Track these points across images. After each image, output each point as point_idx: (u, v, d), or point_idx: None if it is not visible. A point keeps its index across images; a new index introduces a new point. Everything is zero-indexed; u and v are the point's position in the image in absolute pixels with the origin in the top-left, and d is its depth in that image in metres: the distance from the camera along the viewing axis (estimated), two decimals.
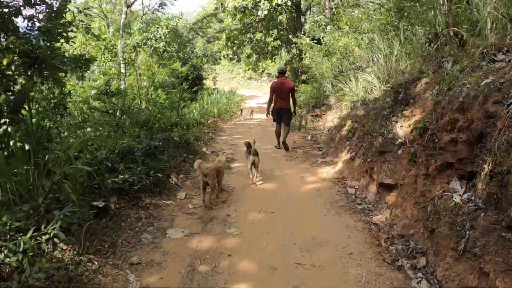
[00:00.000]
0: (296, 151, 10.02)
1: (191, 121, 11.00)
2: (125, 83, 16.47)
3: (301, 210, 6.08)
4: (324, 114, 15.05)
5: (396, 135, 6.52)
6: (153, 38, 23.25)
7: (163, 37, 22.81)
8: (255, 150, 7.38)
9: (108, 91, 12.42)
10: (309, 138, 11.85)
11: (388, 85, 10.24)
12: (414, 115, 6.44)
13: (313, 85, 19.09)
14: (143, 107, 10.65)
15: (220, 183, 6.67)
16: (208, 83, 29.49)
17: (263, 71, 37.26)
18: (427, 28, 9.31)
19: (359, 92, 11.37)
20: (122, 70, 16.94)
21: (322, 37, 20.60)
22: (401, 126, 6.57)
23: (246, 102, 27.68)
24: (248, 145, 7.71)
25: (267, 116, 10.59)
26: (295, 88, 11.03)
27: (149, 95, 13.72)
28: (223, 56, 27.40)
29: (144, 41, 23.44)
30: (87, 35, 18.80)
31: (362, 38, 18.34)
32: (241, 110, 21.21)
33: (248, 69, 30.13)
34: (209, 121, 13.87)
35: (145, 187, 6.22)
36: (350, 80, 12.50)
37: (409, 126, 6.33)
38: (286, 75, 10.59)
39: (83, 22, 10.90)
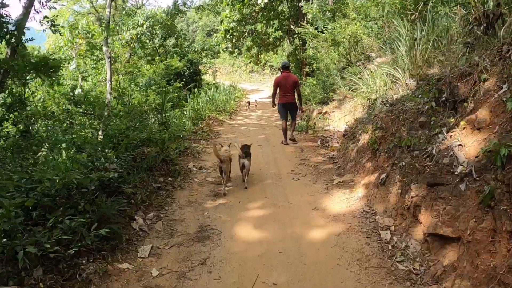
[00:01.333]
0: (305, 164, 7.80)
1: (175, 130, 8.84)
2: (110, 85, 14.33)
3: (320, 280, 3.89)
4: (333, 112, 12.82)
5: (454, 159, 4.29)
6: (148, 33, 21.18)
7: (158, 32, 20.71)
8: (246, 152, 6.79)
9: (72, 98, 10.22)
10: (318, 143, 9.63)
11: (413, 80, 8.11)
12: (479, 129, 4.23)
13: (318, 78, 16.84)
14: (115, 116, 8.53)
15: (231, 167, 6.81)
16: (207, 78, 27.26)
17: (265, 63, 34.88)
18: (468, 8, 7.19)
19: (378, 88, 9.17)
20: (108, 71, 14.78)
21: (325, 27, 18.40)
22: (461, 145, 4.35)
23: (248, 97, 25.39)
24: (241, 152, 6.84)
25: (273, 106, 10.40)
26: (299, 82, 10.60)
27: (128, 99, 11.56)
28: (222, 49, 25.12)
29: (139, 36, 21.41)
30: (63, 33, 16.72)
31: (371, 25, 16.23)
32: (248, 103, 20.50)
33: (249, 62, 27.84)
34: (202, 125, 11.66)
35: (88, 247, 4.08)
36: (360, 72, 10.40)
37: (474, 145, 4.13)
38: (290, 68, 10.03)
39: (47, 18, 8.75)
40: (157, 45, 22.85)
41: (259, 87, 32.04)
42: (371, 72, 10.29)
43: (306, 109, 14.61)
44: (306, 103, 15.71)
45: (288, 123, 9.80)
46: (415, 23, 9.87)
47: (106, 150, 6.25)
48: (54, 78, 10.32)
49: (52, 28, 9.00)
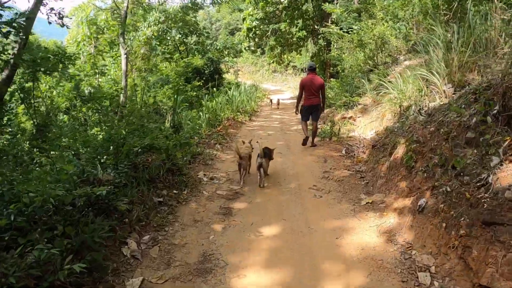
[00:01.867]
0: (329, 178, 6.86)
1: (183, 136, 8.00)
2: (126, 82, 13.63)
3: None
4: (358, 117, 11.86)
5: None
6: (169, 29, 20.46)
7: (179, 29, 19.94)
8: (263, 152, 6.64)
9: (78, 94, 9.50)
10: (343, 152, 8.68)
11: (450, 86, 7.16)
12: None
13: (343, 80, 15.86)
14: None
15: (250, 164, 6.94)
16: (229, 77, 26.43)
17: (288, 63, 33.89)
18: None
19: (410, 94, 8.23)
20: (123, 67, 14.09)
21: (349, 28, 17.40)
22: None
23: (270, 97, 24.49)
24: (260, 152, 6.62)
25: (295, 113, 9.63)
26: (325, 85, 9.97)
27: (139, 98, 10.79)
28: (244, 48, 24.27)
29: (159, 32, 20.72)
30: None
31: (399, 26, 15.21)
32: (271, 101, 20.19)
33: (272, 62, 26.94)
34: (218, 128, 10.80)
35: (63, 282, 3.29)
36: (388, 75, 9.49)
37: None
38: (315, 67, 9.50)
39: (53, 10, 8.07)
40: (178, 42, 22.11)
41: (281, 88, 31.05)
42: (401, 75, 9.33)
43: (330, 113, 13.70)
44: (329, 106, 14.78)
45: (309, 125, 9.55)
46: (449, 24, 8.95)
47: (105, 157, 5.47)
48: (60, 74, 9.63)
49: (60, 21, 8.31)
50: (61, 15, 8.05)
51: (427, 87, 7.60)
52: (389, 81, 11.41)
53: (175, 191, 5.86)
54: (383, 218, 5.15)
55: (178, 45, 22.49)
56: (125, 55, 14.25)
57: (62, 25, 8.36)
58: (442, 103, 6.67)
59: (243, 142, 7.13)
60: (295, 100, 9.85)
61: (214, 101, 13.99)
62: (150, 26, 20.43)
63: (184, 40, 22.45)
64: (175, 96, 8.64)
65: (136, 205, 4.96)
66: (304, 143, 9.24)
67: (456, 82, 7.09)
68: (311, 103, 9.04)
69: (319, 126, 10.13)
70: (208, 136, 9.82)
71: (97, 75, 17.74)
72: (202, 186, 6.41)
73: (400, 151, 6.06)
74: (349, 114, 12.19)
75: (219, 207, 5.57)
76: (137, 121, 6.00)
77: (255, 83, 28.12)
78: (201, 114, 11.41)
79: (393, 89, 9.07)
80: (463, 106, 5.72)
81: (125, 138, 5.41)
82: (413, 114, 7.45)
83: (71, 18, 17.96)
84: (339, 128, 10.32)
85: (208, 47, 22.64)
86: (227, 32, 41.71)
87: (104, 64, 22.59)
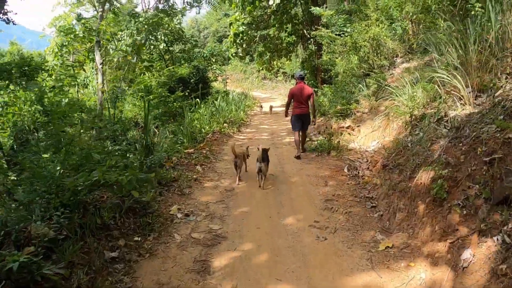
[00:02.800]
0: (332, 209, 5.45)
1: (159, 156, 6.62)
2: (101, 94, 12.22)
3: None
4: (358, 126, 10.51)
5: None
6: (153, 38, 19.05)
7: (163, 36, 18.57)
8: (262, 156, 6.60)
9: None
10: (345, 170, 7.31)
11: (468, 90, 5.88)
12: None
13: (337, 85, 14.53)
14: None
15: (246, 163, 7.35)
16: (217, 85, 25.03)
17: (278, 70, 32.47)
18: None
19: (421, 101, 6.93)
20: (99, 78, 12.67)
21: (341, 30, 16.12)
22: None
23: (261, 104, 23.13)
24: (258, 156, 6.65)
25: (285, 116, 9.65)
26: (314, 93, 10.01)
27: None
28: (231, 55, 22.89)
29: (143, 41, 19.31)
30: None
31: (394, 27, 14.02)
32: (261, 107, 20.78)
33: (262, 69, 25.57)
34: (200, 145, 9.35)
35: None
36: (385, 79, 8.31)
37: None
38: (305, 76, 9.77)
39: None
40: (163, 51, 20.73)
41: (271, 95, 29.69)
42: (407, 80, 8.02)
43: (325, 122, 12.39)
44: (324, 115, 13.45)
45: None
46: (456, 20, 7.71)
47: (42, 199, 4.04)
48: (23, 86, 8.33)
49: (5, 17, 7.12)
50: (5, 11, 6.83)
51: (447, 94, 6.27)
52: (391, 86, 10.17)
53: (136, 238, 4.41)
54: (409, 270, 3.77)
55: (163, 53, 21.13)
56: (101, 65, 12.84)
57: (8, 22, 7.23)
58: (468, 112, 5.33)
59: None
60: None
61: (198, 113, 12.57)
62: (133, 36, 19.11)
63: (169, 48, 21.09)
64: (146, 110, 7.13)
65: (78, 267, 3.54)
66: (297, 158, 8.55)
67: (476, 85, 5.78)
68: (301, 112, 8.72)
69: (314, 138, 9.84)
70: (189, 154, 8.39)
71: (77, 87, 16.29)
72: (175, 226, 4.98)
73: (424, 176, 4.69)
74: (347, 123, 10.84)
75: (193, 259, 4.13)
76: (84, 150, 4.54)
77: (244, 91, 26.75)
78: (182, 128, 9.97)
79: (399, 95, 7.74)
80: (501, 117, 4.41)
81: (58, 179, 3.98)
82: (429, 125, 6.10)
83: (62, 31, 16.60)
84: (339, 141, 8.94)
85: (194, 55, 21.29)
86: (215, 40, 40.28)
87: (86, 76, 21.15)
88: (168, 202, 5.72)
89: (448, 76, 6.01)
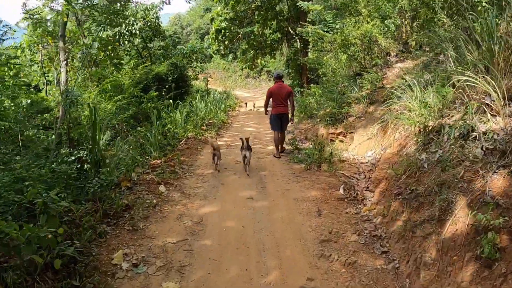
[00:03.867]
0: (330, 257, 3.92)
1: (108, 179, 5.09)
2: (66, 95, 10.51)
3: None
4: (351, 133, 9.09)
5: None
6: (127, 33, 17.38)
7: (138, 31, 16.90)
8: (247, 145, 7.11)
9: None
10: (341, 191, 5.85)
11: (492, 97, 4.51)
12: None
13: (325, 85, 13.09)
14: None
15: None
16: (198, 84, 23.41)
17: (261, 68, 30.90)
18: None
19: (434, 109, 5.55)
20: (63, 76, 10.94)
21: (329, 28, 14.80)
22: None
23: (242, 105, 21.63)
24: (242, 141, 7.20)
25: (265, 113, 9.49)
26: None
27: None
28: (213, 52, 21.33)
29: (117, 36, 17.59)
30: None
31: (387, 24, 12.69)
32: (246, 103, 21.53)
33: (245, 67, 24.03)
34: (168, 156, 7.75)
35: None
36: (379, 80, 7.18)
37: None
38: (284, 76, 9.80)
39: None
40: (140, 47, 19.06)
41: (254, 94, 28.11)
42: (418, 84, 6.63)
43: (311, 126, 10.99)
44: (311, 118, 12.02)
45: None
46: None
47: None
48: None
49: None
50: None
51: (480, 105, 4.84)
52: (387, 87, 8.86)
53: None
54: None
55: (141, 50, 19.46)
56: (65, 62, 11.12)
57: None
58: (502, 125, 3.93)
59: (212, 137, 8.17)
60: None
61: (170, 115, 10.97)
62: (106, 30, 17.39)
63: (147, 44, 19.42)
64: (92, 119, 5.49)
65: None
66: (276, 157, 8.47)
67: (507, 91, 4.39)
68: (280, 111, 8.55)
69: (301, 145, 9.42)
70: (154, 168, 6.83)
71: (45, 86, 14.55)
72: (116, 285, 3.45)
73: (461, 220, 3.25)
74: (338, 129, 9.40)
75: None
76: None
77: (226, 90, 25.22)
78: (149, 135, 8.37)
79: (405, 100, 6.31)
80: None
81: None
82: (449, 140, 4.69)
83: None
84: (331, 153, 7.47)
85: (173, 52, 19.66)
86: (198, 37, 38.54)
87: (59, 73, 19.34)
88: (112, 245, 4.16)
89: (476, 79, 4.58)
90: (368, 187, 6.19)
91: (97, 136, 5.63)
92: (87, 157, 5.38)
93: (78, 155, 5.57)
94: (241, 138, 7.30)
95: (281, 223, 4.76)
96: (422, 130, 5.56)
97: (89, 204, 4.67)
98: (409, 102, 6.17)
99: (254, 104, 20.97)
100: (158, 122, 8.89)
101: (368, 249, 4.07)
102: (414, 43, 10.78)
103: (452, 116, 5.14)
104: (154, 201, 5.37)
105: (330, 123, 9.81)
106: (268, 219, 4.88)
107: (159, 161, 7.34)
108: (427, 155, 4.95)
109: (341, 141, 9.26)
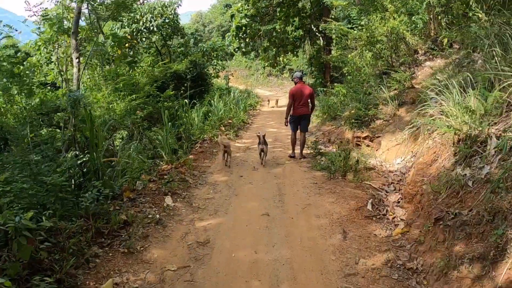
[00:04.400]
0: None
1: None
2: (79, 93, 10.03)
3: None
4: (378, 137, 8.31)
5: None
6: (145, 30, 16.89)
7: (155, 28, 16.39)
8: (264, 140, 7.48)
9: None
10: (369, 207, 5.10)
11: None
12: None
13: (350, 85, 12.26)
14: None
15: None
16: (220, 82, 22.81)
17: (284, 66, 30.08)
18: None
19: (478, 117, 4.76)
20: (75, 74, 10.47)
21: (353, 25, 13.92)
22: None
23: (263, 104, 20.90)
24: (259, 137, 7.55)
25: (285, 124, 8.67)
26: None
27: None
28: (233, 49, 20.66)
29: (135, 34, 17.13)
30: None
31: (415, 20, 11.84)
32: (268, 101, 21.11)
33: (267, 65, 23.28)
34: (179, 162, 7.09)
35: None
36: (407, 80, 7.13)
37: None
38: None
39: None
40: (159, 45, 18.55)
41: (277, 93, 27.31)
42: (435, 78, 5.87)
43: (336, 129, 10.24)
44: (335, 119, 11.25)
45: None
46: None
47: None
48: None
49: None
50: None
51: None
52: (423, 88, 8.07)
53: None
54: None
55: (160, 48, 18.95)
56: (77, 60, 10.64)
57: None
58: None
59: (220, 135, 8.14)
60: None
61: (186, 116, 10.34)
62: (124, 27, 16.94)
63: (167, 42, 18.90)
64: (89, 124, 4.88)
65: None
66: (292, 157, 8.29)
67: None
68: (301, 113, 8.22)
69: (324, 148, 8.87)
70: (162, 176, 6.19)
71: (62, 83, 14.17)
72: None
73: None
74: (364, 133, 8.61)
75: None
76: None
77: (248, 88, 24.54)
78: (161, 138, 7.75)
79: (444, 103, 5.52)
80: None
81: None
82: (497, 153, 3.91)
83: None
84: (357, 160, 6.70)
85: (193, 49, 19.09)
86: (219, 34, 37.95)
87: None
88: (102, 271, 3.53)
89: None
90: (399, 202, 5.43)
91: (97, 142, 5.01)
92: (85, 165, 4.78)
93: (81, 160, 5.01)
94: (258, 135, 7.66)
95: (300, 248, 4.04)
96: (463, 139, 4.77)
97: (81, 222, 4.07)
98: (446, 106, 5.39)
99: (277, 101, 20.24)
100: (170, 123, 8.23)
101: (401, 284, 3.33)
102: (445, 40, 9.87)
103: (497, 124, 4.37)
104: (158, 216, 4.73)
105: (355, 126, 9.04)
106: (286, 242, 4.17)
107: (169, 167, 6.72)
108: (471, 171, 4.17)
109: (368, 145, 8.50)
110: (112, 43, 10.87)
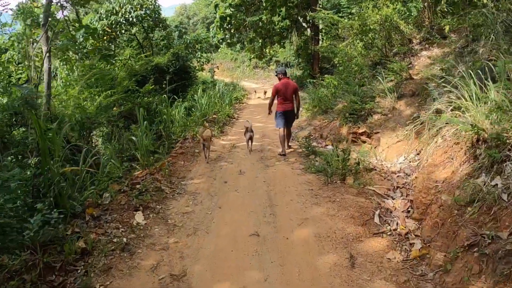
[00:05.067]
0: None
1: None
2: (48, 87, 9.03)
3: None
4: (376, 133, 7.52)
5: None
6: (125, 22, 15.82)
7: (135, 20, 15.36)
8: (251, 128, 7.85)
9: None
10: (376, 220, 4.29)
11: None
12: None
13: (342, 76, 11.44)
14: None
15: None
16: (205, 75, 21.83)
17: (270, 58, 29.14)
18: None
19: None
20: (45, 67, 9.46)
21: (343, 12, 13.13)
22: None
23: (250, 97, 19.98)
24: (246, 129, 7.90)
25: (268, 114, 8.56)
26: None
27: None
28: (218, 41, 19.68)
29: (114, 25, 16.05)
30: None
31: (409, 8, 11.17)
32: (255, 91, 20.68)
33: (253, 57, 22.35)
34: (158, 164, 6.18)
35: None
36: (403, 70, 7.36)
37: None
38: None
39: None
40: (141, 38, 17.51)
41: (263, 85, 26.35)
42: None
43: (328, 124, 9.44)
44: (326, 112, 10.44)
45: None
46: None
47: None
48: None
49: None
50: None
51: None
52: (422, 79, 7.41)
53: None
54: None
55: (142, 41, 17.88)
56: (47, 53, 9.59)
57: None
58: None
59: (205, 128, 8.00)
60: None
61: (164, 112, 9.41)
62: (102, 19, 15.84)
63: (149, 34, 17.84)
64: (38, 132, 3.89)
65: None
66: (282, 155, 7.76)
67: None
68: (286, 109, 7.96)
69: (315, 143, 8.52)
70: (134, 184, 5.29)
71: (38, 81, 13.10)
72: None
73: None
74: (361, 128, 7.80)
75: None
76: None
77: (234, 81, 23.59)
78: (136, 138, 6.78)
79: (453, 96, 4.74)
80: None
81: None
82: None
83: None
84: (358, 161, 5.87)
85: (176, 42, 18.07)
86: (204, 26, 36.79)
87: (56, 67, 17.97)
88: None
89: None
90: (408, 211, 4.64)
91: (53, 149, 4.10)
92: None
93: (30, 174, 4.09)
94: (245, 126, 8.00)
95: (299, 282, 3.19)
96: (484, 140, 3.99)
97: (26, 255, 3.18)
98: (462, 100, 4.61)
99: (265, 92, 19.59)
100: (145, 122, 7.29)
101: None
102: (447, 27, 9.10)
103: None
104: (124, 239, 3.84)
105: (350, 121, 8.22)
106: (281, 274, 3.31)
107: (144, 173, 5.82)
108: (503, 181, 3.38)
109: (364, 141, 7.70)
110: (85, 34, 9.84)
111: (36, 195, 3.99)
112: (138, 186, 5.16)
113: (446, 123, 4.87)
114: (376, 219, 4.32)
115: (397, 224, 4.29)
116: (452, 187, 4.07)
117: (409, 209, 4.67)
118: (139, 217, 4.36)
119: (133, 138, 6.71)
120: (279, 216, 4.44)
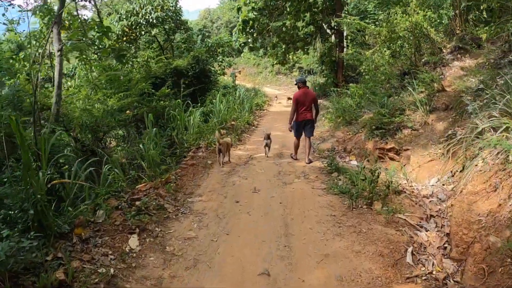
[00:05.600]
0: None
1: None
2: (59, 87, 8.62)
3: None
4: (406, 150, 6.77)
5: None
6: (145, 23, 15.43)
7: (155, 21, 14.95)
8: (268, 136, 8.03)
9: None
10: (409, 260, 3.58)
11: None
12: None
13: (368, 85, 10.73)
14: None
15: (229, 151, 7.67)
16: (226, 80, 21.35)
17: (293, 64, 28.47)
18: None
19: None
20: (57, 67, 9.05)
21: (370, 18, 12.42)
22: None
23: (271, 104, 19.35)
24: (265, 136, 8.06)
25: (289, 129, 8.10)
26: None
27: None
28: (239, 45, 19.17)
29: (134, 26, 15.68)
30: None
31: (440, 15, 10.39)
32: (276, 97, 20.81)
33: (276, 63, 21.77)
34: (164, 177, 5.59)
35: None
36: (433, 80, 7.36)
37: None
38: (306, 80, 8.35)
39: None
40: (162, 40, 17.11)
41: (285, 92, 25.68)
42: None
43: (352, 137, 8.75)
44: (350, 123, 9.74)
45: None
46: None
47: None
48: None
49: None
50: None
51: None
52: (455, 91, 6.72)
53: None
54: None
55: (162, 43, 17.49)
56: (59, 53, 9.17)
57: None
58: None
59: (221, 133, 7.54)
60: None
61: (177, 118, 8.84)
62: (122, 20, 15.49)
63: (170, 37, 17.43)
64: (19, 137, 3.36)
65: None
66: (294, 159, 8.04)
67: None
68: (305, 118, 7.84)
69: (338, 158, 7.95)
70: (134, 200, 4.69)
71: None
72: None
73: None
74: (389, 144, 7.06)
75: None
76: None
77: (256, 86, 23.03)
78: (143, 147, 6.22)
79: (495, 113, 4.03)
80: None
81: None
82: None
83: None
84: (389, 184, 5.15)
85: (198, 45, 17.62)
86: (227, 31, 36.42)
87: (74, 66, 17.76)
88: None
89: None
90: (445, 248, 3.92)
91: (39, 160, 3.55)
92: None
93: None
94: (264, 133, 8.21)
95: None
96: None
97: None
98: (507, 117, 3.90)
99: (289, 98, 18.05)
100: (154, 129, 6.74)
101: None
102: (484, 36, 8.31)
103: None
104: (112, 270, 3.24)
105: (377, 135, 7.50)
106: None
107: (147, 186, 5.23)
108: None
109: (392, 159, 6.96)
110: (99, 33, 9.41)
111: (14, 215, 3.42)
112: (138, 203, 4.56)
113: (494, 145, 4.16)
114: (409, 259, 3.62)
115: (432, 265, 3.59)
116: (500, 225, 3.36)
117: (446, 245, 3.95)
118: (133, 242, 3.76)
119: (140, 146, 6.14)
120: (295, 250, 3.76)
